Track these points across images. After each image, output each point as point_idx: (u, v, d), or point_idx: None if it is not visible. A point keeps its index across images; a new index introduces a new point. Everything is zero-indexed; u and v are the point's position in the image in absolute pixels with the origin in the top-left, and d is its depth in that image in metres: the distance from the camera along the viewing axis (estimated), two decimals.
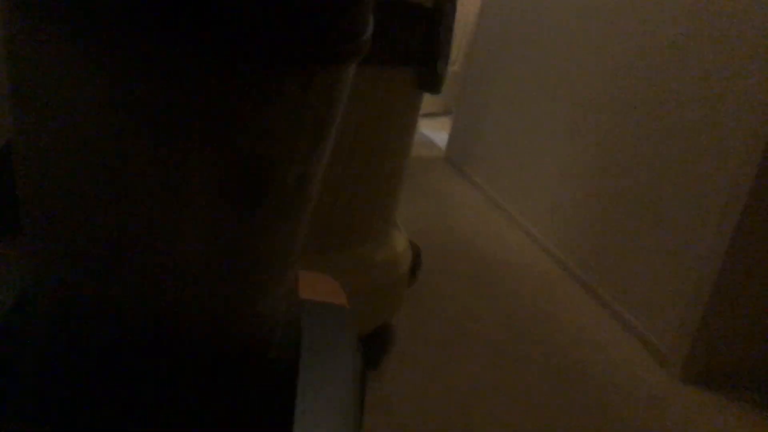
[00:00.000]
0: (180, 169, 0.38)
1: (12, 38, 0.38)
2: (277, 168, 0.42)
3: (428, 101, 3.21)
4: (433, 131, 2.97)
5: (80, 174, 0.39)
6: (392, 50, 0.91)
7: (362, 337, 0.97)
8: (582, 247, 1.57)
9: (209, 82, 0.36)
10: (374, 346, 1.06)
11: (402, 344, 1.13)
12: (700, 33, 1.26)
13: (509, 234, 1.78)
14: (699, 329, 1.19)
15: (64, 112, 0.37)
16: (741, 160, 1.12)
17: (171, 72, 0.35)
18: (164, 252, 0.41)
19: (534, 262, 1.63)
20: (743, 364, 1.26)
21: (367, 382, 1.03)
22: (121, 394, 0.45)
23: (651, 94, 1.40)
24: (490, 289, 1.42)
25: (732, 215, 1.13)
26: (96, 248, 0.42)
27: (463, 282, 1.42)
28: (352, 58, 0.43)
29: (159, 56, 0.35)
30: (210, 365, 0.46)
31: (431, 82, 0.96)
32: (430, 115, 3.30)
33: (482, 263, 1.55)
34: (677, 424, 1.05)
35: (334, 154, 0.88)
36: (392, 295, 1.02)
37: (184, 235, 0.41)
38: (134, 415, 0.45)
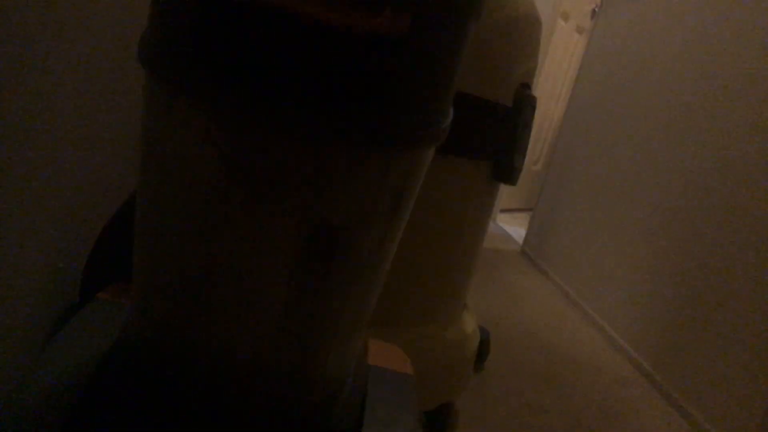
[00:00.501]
0: (265, 230, 0.43)
1: (148, 108, 0.45)
2: (354, 237, 0.46)
3: (508, 197, 3.25)
4: (512, 226, 3.00)
5: (183, 226, 0.45)
6: (473, 143, 0.97)
7: (425, 412, 0.99)
8: (656, 347, 1.54)
9: (300, 157, 0.42)
10: (437, 423, 1.08)
11: (464, 428, 1.13)
12: None
13: (582, 330, 1.77)
14: None
15: (179, 171, 0.43)
16: None
17: (269, 144, 0.41)
18: (244, 304, 0.45)
19: (606, 359, 1.61)
20: None
21: None
22: None
23: (730, 201, 1.41)
24: (557, 385, 1.41)
25: None
26: (186, 291, 0.46)
27: (530, 375, 1.42)
28: (430, 144, 0.48)
29: (262, 132, 0.40)
30: (274, 425, 0.49)
31: (507, 173, 1.02)
32: (509, 210, 3.34)
33: (551, 358, 1.54)
34: None
35: (411, 232, 0.94)
36: (458, 375, 1.04)
37: (262, 290, 0.45)
38: None
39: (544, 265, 2.27)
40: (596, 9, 2.52)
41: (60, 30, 0.58)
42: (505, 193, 3.25)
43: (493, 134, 0.98)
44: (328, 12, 0.38)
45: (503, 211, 3.27)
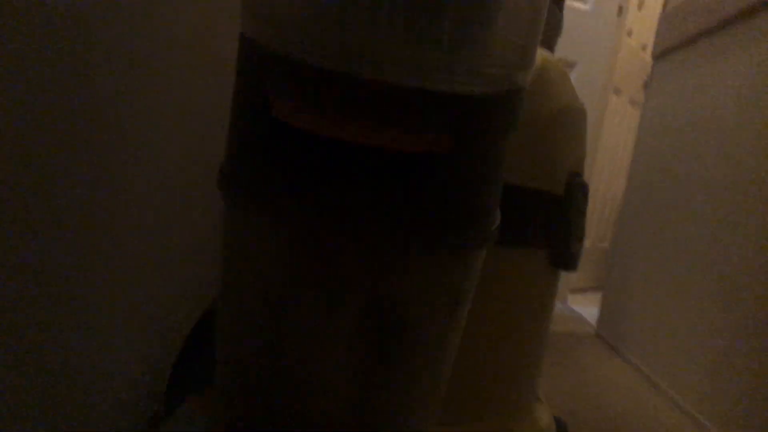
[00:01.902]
0: (332, 322, 0.46)
1: (227, 227, 0.49)
2: (417, 332, 0.49)
3: (579, 276, 3.20)
4: (583, 307, 2.93)
5: (257, 329, 0.49)
6: (527, 233, 0.98)
7: None
8: (746, 425, 1.46)
9: (366, 257, 0.45)
10: None
11: None
12: None
13: (665, 415, 1.69)
14: None
15: (254, 277, 0.47)
16: None
17: (336, 253, 0.45)
18: (311, 387, 0.48)
19: None
20: None
21: None
22: None
23: None
24: None
25: None
26: (262, 391, 0.50)
27: None
28: (480, 245, 0.51)
29: (330, 237, 0.44)
30: None
31: (565, 260, 1.02)
32: (581, 290, 3.27)
33: None
34: None
35: (472, 324, 0.94)
36: None
37: (331, 386, 0.48)
38: None
39: (620, 346, 2.20)
40: (647, 81, 2.53)
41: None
42: (574, 273, 3.20)
43: (547, 223, 0.99)
44: (381, 138, 0.42)
45: (574, 291, 3.20)
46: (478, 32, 0.44)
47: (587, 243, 3.31)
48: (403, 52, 0.42)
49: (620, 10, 3.04)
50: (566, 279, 3.04)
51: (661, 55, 2.40)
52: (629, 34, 3.25)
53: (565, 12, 2.96)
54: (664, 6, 2.48)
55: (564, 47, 2.97)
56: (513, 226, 0.97)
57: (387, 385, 0.51)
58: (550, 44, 1.21)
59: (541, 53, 1.01)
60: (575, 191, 1.01)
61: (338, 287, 0.46)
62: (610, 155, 3.35)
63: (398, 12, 0.41)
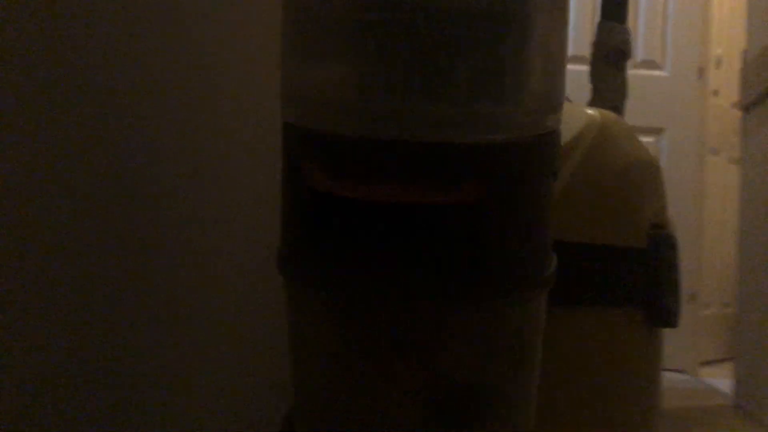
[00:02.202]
0: (391, 393, 0.47)
1: (289, 308, 0.52)
2: (479, 392, 0.48)
3: (709, 347, 2.99)
4: (716, 378, 2.72)
5: (324, 403, 0.50)
6: (612, 291, 0.95)
7: None
8: None
9: (416, 318, 0.46)
10: None
11: None
12: None
13: None
14: None
15: (317, 352, 0.49)
16: None
17: (387, 315, 0.46)
18: None
19: None
20: None
21: None
22: None
23: None
24: None
25: None
26: None
27: None
28: (535, 289, 0.51)
29: (379, 305, 0.46)
30: None
31: (660, 316, 0.98)
32: (713, 362, 3.05)
33: None
34: None
35: (573, 393, 0.91)
36: None
37: None
38: None
39: (761, 415, 2.00)
40: (741, 135, 2.45)
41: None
42: (704, 343, 2.99)
43: (632, 279, 0.96)
44: (410, 195, 0.44)
45: (705, 364, 2.99)
46: (493, 83, 0.46)
47: (712, 310, 3.11)
48: (422, 110, 0.44)
49: (700, 71, 2.99)
50: (696, 351, 2.86)
51: (749, 107, 2.33)
52: (716, 93, 3.18)
53: (645, 80, 2.94)
54: (744, 60, 2.43)
55: (649, 115, 2.92)
56: (600, 284, 0.95)
57: None
58: (617, 108, 1.22)
59: (601, 113, 1.02)
60: (659, 243, 0.98)
61: (393, 357, 0.46)
62: (718, 217, 3.19)
63: (413, 72, 0.44)
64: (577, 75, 1.15)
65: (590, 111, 1.01)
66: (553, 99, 0.51)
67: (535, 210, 0.50)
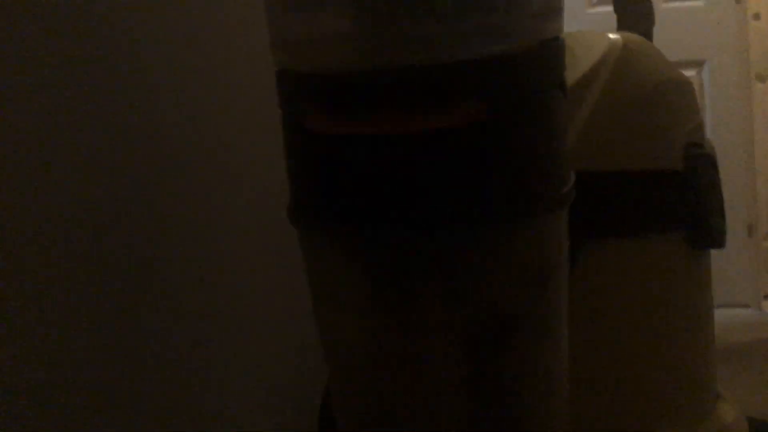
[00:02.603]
0: (426, 332, 0.46)
1: (306, 261, 0.51)
2: (509, 313, 0.47)
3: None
4: None
5: (355, 355, 0.49)
6: (653, 217, 0.92)
7: None
8: None
9: (436, 248, 0.45)
10: None
11: None
12: None
13: None
14: None
15: (339, 301, 0.48)
16: None
17: (406, 249, 0.45)
18: (427, 415, 0.46)
19: None
20: None
21: None
22: None
23: None
24: None
25: None
26: (374, 419, 0.49)
27: None
28: (552, 208, 0.49)
29: (391, 241, 0.45)
30: None
31: (705, 238, 0.94)
32: None
33: None
34: None
35: (625, 330, 0.89)
36: None
37: (442, 399, 0.46)
38: None
39: None
40: None
41: None
42: (766, 276, 2.90)
43: (673, 202, 0.92)
44: (412, 123, 0.43)
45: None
46: None
47: None
48: (409, 31, 0.42)
49: None
50: (758, 284, 2.77)
51: None
52: (756, 17, 3.04)
53: (680, 12, 2.83)
54: None
55: (687, 48, 2.82)
56: (637, 211, 0.92)
57: (496, 387, 0.49)
58: (646, 35, 1.17)
59: (623, 35, 0.98)
60: (698, 162, 0.94)
61: (421, 292, 0.46)
62: None
63: None
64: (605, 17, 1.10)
65: (611, 35, 0.97)
66: (551, 1, 0.48)
67: (543, 125, 0.48)
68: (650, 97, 0.93)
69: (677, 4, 2.83)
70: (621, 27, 1.17)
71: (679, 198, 0.94)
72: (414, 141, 0.44)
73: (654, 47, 1.01)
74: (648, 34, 1.17)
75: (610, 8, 1.24)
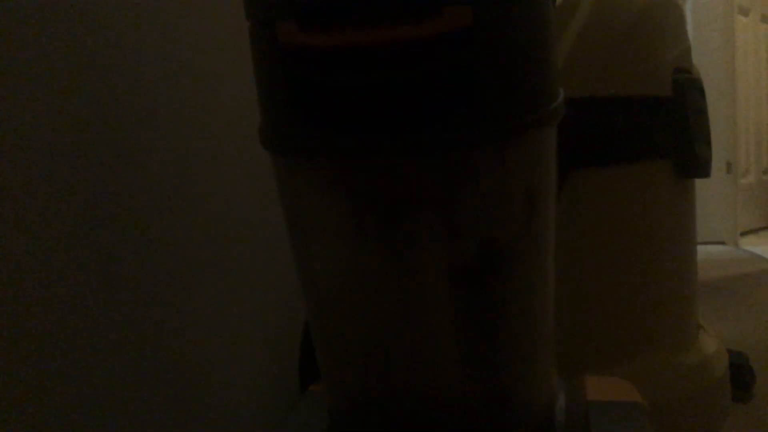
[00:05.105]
0: (413, 258, 0.43)
1: (282, 187, 0.47)
2: (496, 240, 0.44)
3: (748, 216, 2.92)
4: (757, 246, 2.66)
5: (338, 287, 0.46)
6: (638, 144, 0.89)
7: None
8: None
9: (411, 172, 0.42)
10: None
11: None
12: None
13: None
14: None
15: (320, 232, 0.45)
16: None
17: (384, 176, 0.42)
18: (417, 342, 0.44)
19: None
20: None
21: None
22: None
23: None
24: None
25: None
26: (359, 352, 0.47)
27: None
28: (540, 123, 0.45)
29: (374, 166, 0.41)
30: None
31: (691, 166, 0.91)
32: (754, 231, 2.99)
33: None
34: None
35: (607, 256, 0.87)
36: (706, 402, 0.90)
37: (430, 324, 0.44)
38: None
39: None
40: None
41: None
42: (743, 213, 2.92)
43: (660, 129, 0.90)
44: (387, 34, 0.39)
45: (745, 233, 2.92)
46: None
47: (750, 178, 3.02)
48: None
49: None
50: (735, 221, 2.79)
51: None
52: None
53: None
54: None
55: None
56: (624, 139, 0.89)
57: (485, 307, 0.47)
58: None
59: None
60: (685, 87, 0.91)
61: (407, 218, 0.43)
62: (753, 81, 3.06)
63: None
64: None
65: None
66: None
67: (532, 34, 0.44)
68: (638, 18, 0.89)
69: None
70: None
71: (667, 125, 0.91)
72: (395, 52, 0.40)
73: None
74: None
75: None
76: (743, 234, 2.90)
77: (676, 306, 0.93)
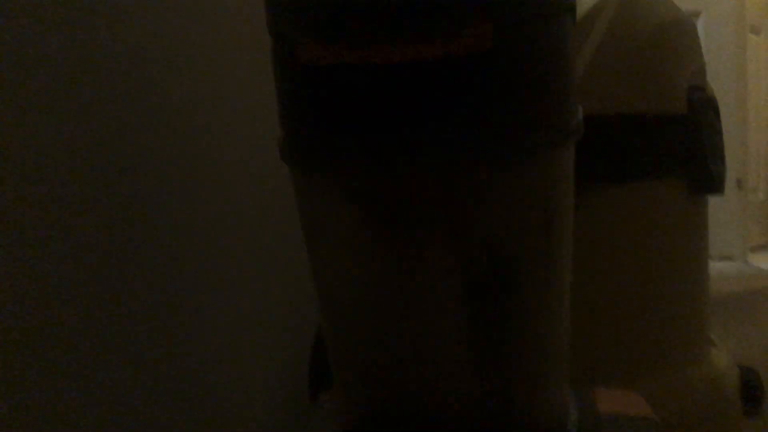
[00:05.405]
0: (425, 276, 0.43)
1: (299, 202, 0.49)
2: (511, 256, 0.45)
3: (756, 233, 2.92)
4: (766, 262, 2.66)
5: (351, 298, 0.47)
6: (656, 162, 0.91)
7: None
8: None
9: (438, 187, 0.43)
10: None
11: None
12: None
13: None
14: None
15: (335, 243, 0.46)
16: None
17: (401, 189, 0.42)
18: (429, 359, 0.45)
19: None
20: None
21: None
22: None
23: None
24: None
25: None
26: (372, 363, 0.48)
27: None
28: (559, 142, 0.46)
29: (392, 178, 0.42)
30: None
31: (705, 183, 0.93)
32: (760, 247, 2.98)
33: None
34: None
35: (618, 273, 0.88)
36: (717, 416, 0.91)
37: (441, 334, 0.45)
38: None
39: None
40: None
41: None
42: (752, 229, 2.92)
43: (674, 147, 0.91)
44: (411, 50, 0.40)
45: (755, 249, 2.92)
46: None
47: (760, 195, 3.02)
48: None
49: None
50: (744, 238, 2.79)
51: None
52: None
53: None
54: None
55: None
56: (639, 156, 0.90)
57: (496, 323, 0.47)
58: None
59: None
60: (700, 106, 0.92)
61: (421, 233, 0.43)
62: (764, 98, 3.06)
63: None
64: None
65: None
66: None
67: (551, 54, 0.45)
68: (653, 38, 0.91)
69: None
70: None
71: (681, 142, 0.92)
72: (416, 69, 0.41)
73: None
74: None
75: None
76: (753, 250, 2.90)
77: (688, 321, 0.94)
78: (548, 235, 0.47)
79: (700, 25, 2.84)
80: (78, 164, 0.46)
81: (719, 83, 2.83)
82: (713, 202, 0.99)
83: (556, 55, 0.46)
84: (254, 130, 0.74)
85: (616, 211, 0.90)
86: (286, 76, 0.45)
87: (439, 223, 0.44)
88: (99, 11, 0.49)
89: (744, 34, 2.88)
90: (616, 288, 0.90)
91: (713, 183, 0.93)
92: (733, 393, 0.95)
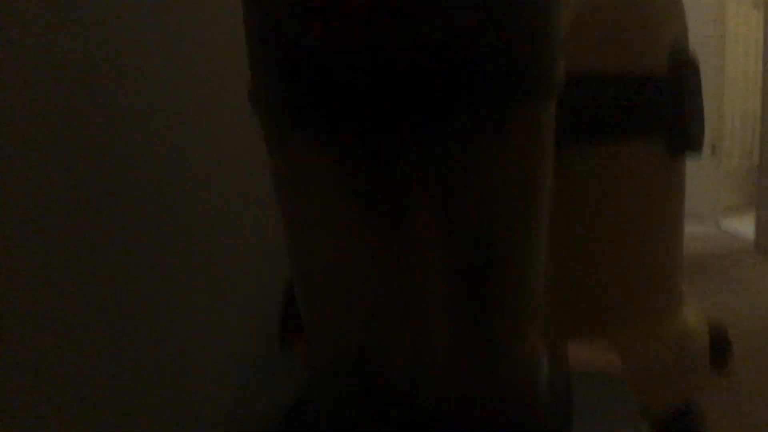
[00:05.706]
0: (412, 246, 0.43)
1: (269, 146, 0.47)
2: (496, 223, 0.45)
3: (729, 196, 2.97)
4: (737, 224, 2.72)
5: (327, 262, 0.46)
6: (633, 121, 0.92)
7: (661, 417, 0.90)
8: None
9: (413, 150, 0.42)
10: (678, 427, 0.97)
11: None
12: None
13: None
14: None
15: (314, 211, 0.45)
16: None
17: (385, 155, 0.41)
18: (407, 304, 0.45)
19: None
20: None
21: None
22: None
23: None
24: None
25: None
26: (352, 335, 0.47)
27: None
28: (542, 96, 0.46)
29: (376, 143, 0.41)
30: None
31: (684, 142, 0.94)
32: (733, 210, 3.04)
33: None
34: None
35: (598, 229, 0.89)
36: (687, 371, 0.94)
37: (421, 286, 0.44)
38: None
39: None
40: None
41: None
42: (724, 193, 2.97)
43: (655, 107, 0.92)
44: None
45: (726, 212, 2.98)
46: None
47: (733, 162, 3.07)
48: None
49: None
50: (716, 200, 2.84)
51: None
52: None
53: None
54: None
55: None
56: (619, 116, 0.91)
57: (481, 289, 0.47)
58: None
59: None
60: (681, 67, 0.93)
61: (398, 194, 0.43)
62: (741, 68, 3.08)
63: None
64: None
65: None
66: None
67: (529, 11, 0.44)
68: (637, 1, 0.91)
69: None
70: None
71: (661, 102, 0.93)
72: (401, 16, 0.40)
73: None
74: None
75: None
76: (724, 214, 2.96)
77: (662, 277, 0.97)
78: (529, 195, 0.46)
79: None
80: (65, 158, 0.46)
81: (697, 49, 2.83)
82: (688, 168, 1.01)
83: (540, 9, 0.45)
84: (223, 106, 0.73)
85: (596, 169, 0.91)
86: (259, 25, 0.42)
87: (424, 194, 0.42)
88: (83, 6, 0.48)
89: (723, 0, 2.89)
90: (595, 244, 0.92)
91: (692, 142, 0.94)
92: (702, 348, 0.98)
